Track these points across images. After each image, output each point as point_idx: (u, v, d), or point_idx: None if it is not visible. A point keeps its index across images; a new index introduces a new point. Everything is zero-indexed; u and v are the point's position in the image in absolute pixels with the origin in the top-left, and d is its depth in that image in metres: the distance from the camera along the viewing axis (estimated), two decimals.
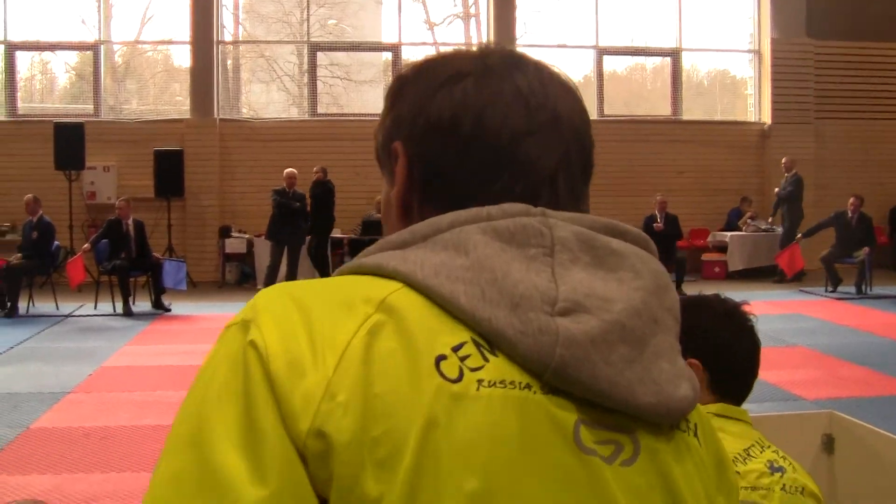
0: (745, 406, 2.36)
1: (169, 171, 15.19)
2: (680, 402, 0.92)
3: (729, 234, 16.35)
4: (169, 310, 12.71)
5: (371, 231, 15.31)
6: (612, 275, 0.94)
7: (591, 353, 0.87)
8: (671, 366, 0.93)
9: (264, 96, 18.02)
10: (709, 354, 2.28)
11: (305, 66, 17.12)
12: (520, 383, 0.86)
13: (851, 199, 14.65)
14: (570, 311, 0.88)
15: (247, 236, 15.35)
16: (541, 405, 0.86)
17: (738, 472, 2.10)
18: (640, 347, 0.91)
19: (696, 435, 0.99)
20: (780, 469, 2.15)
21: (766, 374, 8.09)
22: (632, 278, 0.94)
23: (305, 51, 17.10)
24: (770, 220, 16.27)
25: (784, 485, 2.11)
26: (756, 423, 2.29)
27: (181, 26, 16.49)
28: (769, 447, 2.23)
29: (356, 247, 15.50)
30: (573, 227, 0.95)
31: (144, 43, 17.52)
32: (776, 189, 15.97)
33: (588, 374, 0.87)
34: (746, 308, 2.38)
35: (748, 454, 2.17)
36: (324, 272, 14.29)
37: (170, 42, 17.27)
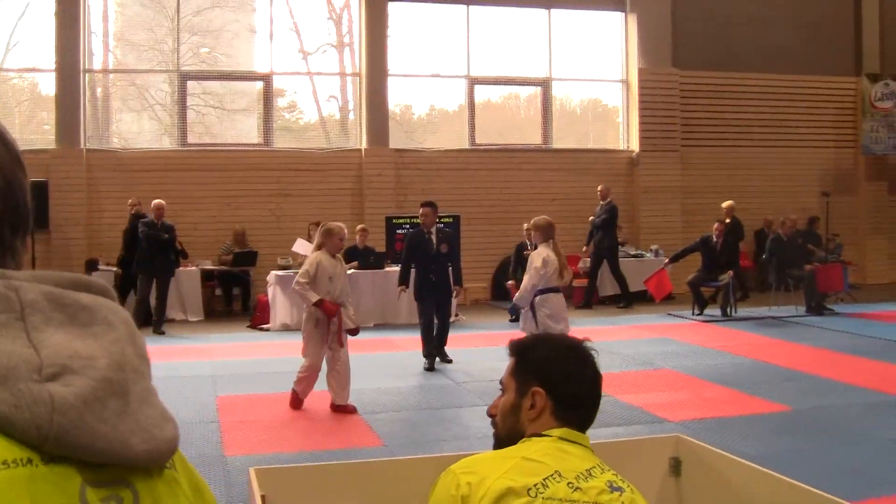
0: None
1: (33, 203, 14.68)
2: (168, 442, 0.97)
3: None
4: None
5: (243, 262, 15.16)
6: (88, 330, 0.96)
7: (86, 414, 0.89)
8: (154, 410, 0.97)
9: (136, 125, 17.64)
10: (552, 383, 2.43)
11: (177, 96, 16.87)
12: (21, 459, 0.85)
13: (716, 225, 15.13)
14: (58, 375, 0.89)
15: (114, 269, 14.96)
16: (46, 477, 0.86)
17: (579, 488, 2.22)
18: (127, 398, 0.94)
19: (176, 469, 1.02)
20: (620, 489, 2.28)
21: (631, 398, 8.33)
22: (106, 331, 0.97)
23: (177, 80, 16.85)
24: (584, 248, 16.49)
25: (623, 503, 2.21)
26: (606, 447, 2.37)
27: (48, 53, 16.05)
28: (609, 470, 2.34)
29: (226, 279, 15.34)
30: (40, 287, 0.95)
31: (9, 70, 16.98)
32: (591, 217, 16.32)
33: (87, 437, 0.88)
34: (588, 343, 2.53)
35: (590, 474, 2.30)
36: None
37: (34, 70, 16.76)
